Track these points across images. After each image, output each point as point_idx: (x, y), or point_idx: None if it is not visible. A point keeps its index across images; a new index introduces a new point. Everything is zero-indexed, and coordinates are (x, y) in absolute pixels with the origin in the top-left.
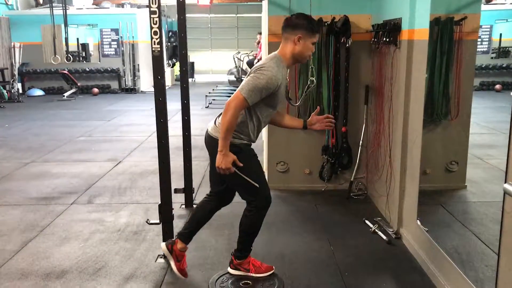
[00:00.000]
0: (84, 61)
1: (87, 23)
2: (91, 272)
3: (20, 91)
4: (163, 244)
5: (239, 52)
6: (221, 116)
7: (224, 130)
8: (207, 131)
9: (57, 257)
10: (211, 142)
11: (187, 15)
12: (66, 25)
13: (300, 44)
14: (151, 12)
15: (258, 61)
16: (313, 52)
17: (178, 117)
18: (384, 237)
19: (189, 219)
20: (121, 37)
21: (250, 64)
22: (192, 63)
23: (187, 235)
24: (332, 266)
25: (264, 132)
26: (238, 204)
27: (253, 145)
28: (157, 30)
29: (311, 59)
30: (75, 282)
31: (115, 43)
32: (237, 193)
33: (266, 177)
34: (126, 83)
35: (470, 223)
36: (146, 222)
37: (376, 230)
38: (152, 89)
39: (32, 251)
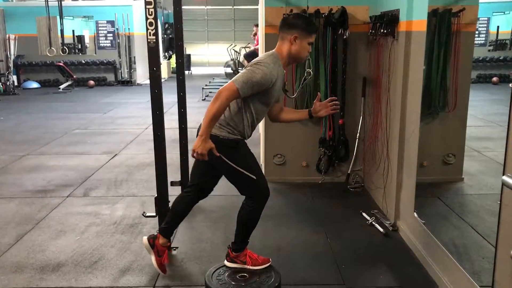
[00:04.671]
0: (80, 53)
1: (82, 15)
2: (87, 265)
3: (16, 83)
4: (144, 238)
5: (235, 46)
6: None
7: (210, 117)
8: (199, 126)
9: (52, 250)
10: None
11: (183, 7)
12: (61, 17)
13: (296, 44)
14: (146, 3)
15: (252, 50)
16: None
17: (175, 109)
18: (381, 230)
19: (169, 214)
20: (117, 29)
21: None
22: (189, 56)
23: (168, 230)
24: (329, 259)
25: (260, 124)
26: (235, 197)
27: (250, 138)
28: (153, 21)
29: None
30: (71, 275)
31: (111, 35)
32: (233, 188)
33: (263, 169)
34: (122, 76)
35: (467, 215)
36: (143, 215)
37: (373, 222)
38: (148, 82)
39: (27, 244)
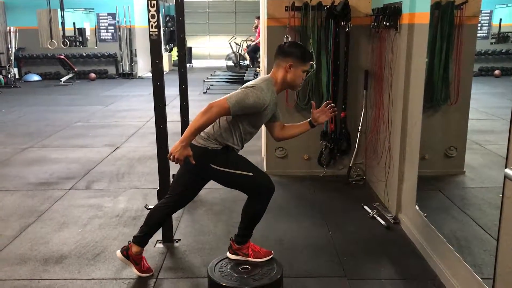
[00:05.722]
0: (81, 46)
1: (83, 7)
2: (90, 257)
3: (17, 76)
4: (118, 252)
5: (235, 39)
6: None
7: (196, 128)
8: None
9: (55, 242)
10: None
11: None
12: (62, 9)
13: (291, 71)
14: None
15: (255, 45)
16: (313, 36)
17: (176, 102)
18: (383, 222)
19: (145, 223)
20: (118, 21)
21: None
22: (190, 48)
23: (142, 238)
24: (330, 251)
25: None
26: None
27: None
28: (155, 13)
29: (311, 44)
30: (74, 267)
31: (112, 27)
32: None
33: (265, 163)
34: (124, 68)
35: (469, 208)
36: (145, 207)
37: (375, 215)
38: (150, 74)
39: (30, 236)
